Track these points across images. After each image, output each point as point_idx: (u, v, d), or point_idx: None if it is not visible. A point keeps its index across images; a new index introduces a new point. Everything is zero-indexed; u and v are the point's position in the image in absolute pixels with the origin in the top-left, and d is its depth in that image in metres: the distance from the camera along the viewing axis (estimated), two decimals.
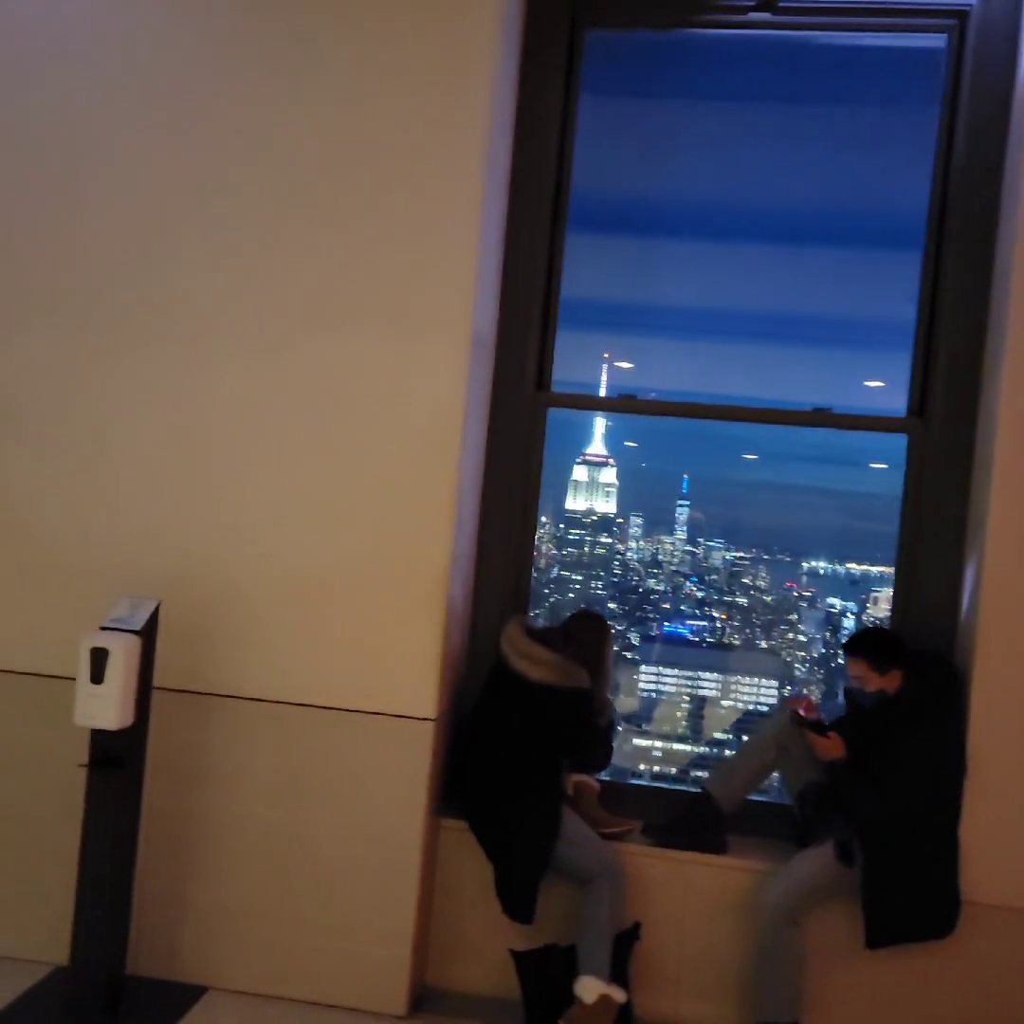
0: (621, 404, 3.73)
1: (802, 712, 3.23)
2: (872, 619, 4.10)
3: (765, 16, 3.55)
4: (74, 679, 3.14)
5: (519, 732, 3.22)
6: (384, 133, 3.21)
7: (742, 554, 4.55)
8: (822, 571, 4.49)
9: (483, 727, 3.31)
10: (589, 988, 3.01)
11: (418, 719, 3.19)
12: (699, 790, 3.34)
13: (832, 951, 3.15)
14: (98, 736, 2.91)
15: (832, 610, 4.53)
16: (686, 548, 4.57)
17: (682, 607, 4.60)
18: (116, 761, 2.91)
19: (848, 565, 4.41)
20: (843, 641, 3.34)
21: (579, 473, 4.37)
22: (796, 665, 4.50)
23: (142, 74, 3.30)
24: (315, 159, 3.23)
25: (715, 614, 4.59)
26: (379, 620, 3.21)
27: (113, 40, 3.32)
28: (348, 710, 3.21)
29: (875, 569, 4.25)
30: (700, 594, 4.61)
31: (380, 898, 3.19)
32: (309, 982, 3.20)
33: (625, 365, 3.86)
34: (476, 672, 3.47)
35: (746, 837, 3.36)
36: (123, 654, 2.84)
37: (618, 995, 3.03)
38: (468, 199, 3.19)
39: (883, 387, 3.64)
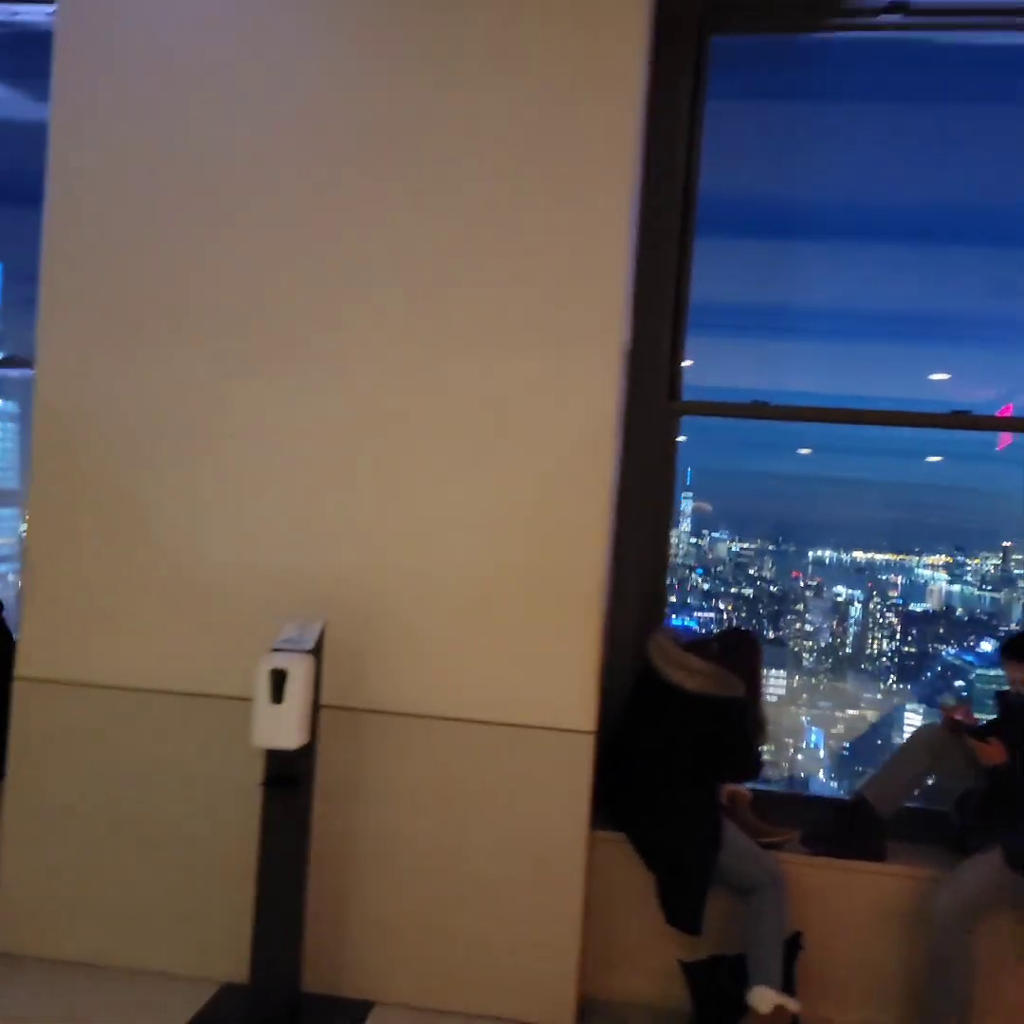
0: (753, 410, 3.72)
1: (960, 718, 3.22)
2: None
3: (896, 18, 3.53)
4: (233, 698, 3.20)
5: (673, 743, 3.22)
6: (532, 144, 3.20)
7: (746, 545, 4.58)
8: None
9: (633, 738, 3.31)
10: (764, 998, 3.01)
11: (577, 732, 3.19)
12: (854, 797, 3.33)
13: (1001, 960, 3.14)
14: (274, 755, 2.92)
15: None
16: (691, 540, 4.65)
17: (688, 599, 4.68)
18: (292, 780, 2.93)
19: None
20: (1001, 644, 3.33)
21: None
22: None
23: (292, 97, 3.30)
24: (464, 173, 3.23)
25: (721, 606, 4.68)
26: (535, 634, 3.21)
27: (262, 65, 3.31)
28: (506, 724, 3.21)
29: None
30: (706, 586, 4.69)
31: (541, 911, 3.20)
32: (474, 995, 3.21)
33: (750, 369, 3.86)
34: (613, 683, 3.47)
35: (902, 843, 3.35)
36: (300, 674, 2.85)
37: (792, 1005, 3.03)
38: (618, 209, 3.18)
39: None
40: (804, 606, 4.63)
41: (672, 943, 3.24)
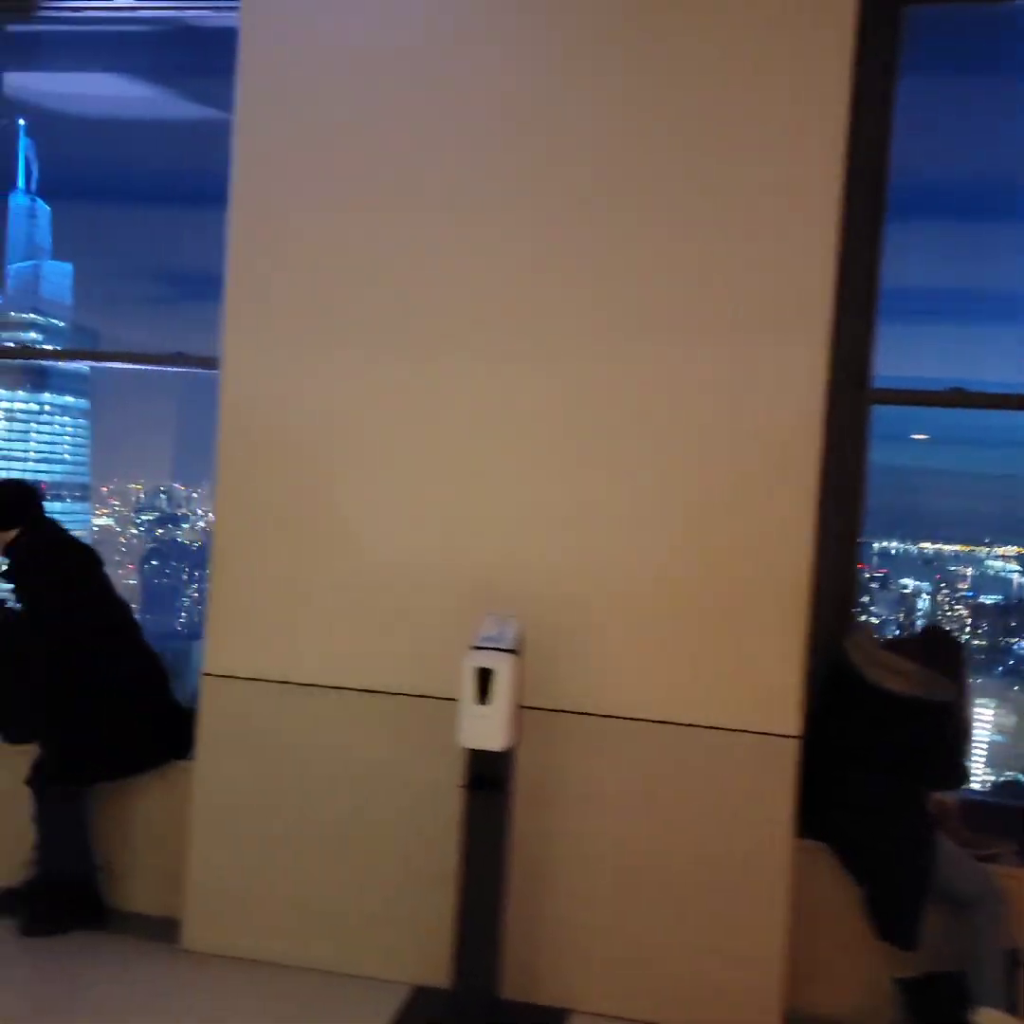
0: (949, 398, 3.53)
1: None
2: None
3: None
4: (423, 697, 3.16)
5: (874, 746, 3.07)
6: (733, 123, 3.08)
7: None
8: None
9: (831, 742, 3.17)
10: (993, 1020, 2.84)
11: (781, 736, 3.07)
12: None
13: None
14: (476, 757, 2.86)
15: None
16: None
17: None
18: (495, 782, 2.87)
19: None
20: None
21: None
22: None
23: (484, 87, 3.24)
24: (658, 155, 3.12)
25: None
26: (736, 633, 3.09)
27: (452, 55, 3.25)
28: (705, 727, 3.10)
29: None
30: None
31: (743, 921, 3.08)
32: (673, 1006, 3.11)
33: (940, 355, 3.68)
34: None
35: None
36: (505, 673, 2.78)
37: None
38: (825, 193, 3.04)
39: None
40: (870, 599, 4.47)
41: (880, 957, 3.09)
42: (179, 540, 4.85)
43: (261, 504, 3.36)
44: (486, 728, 2.79)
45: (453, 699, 2.89)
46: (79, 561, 3.57)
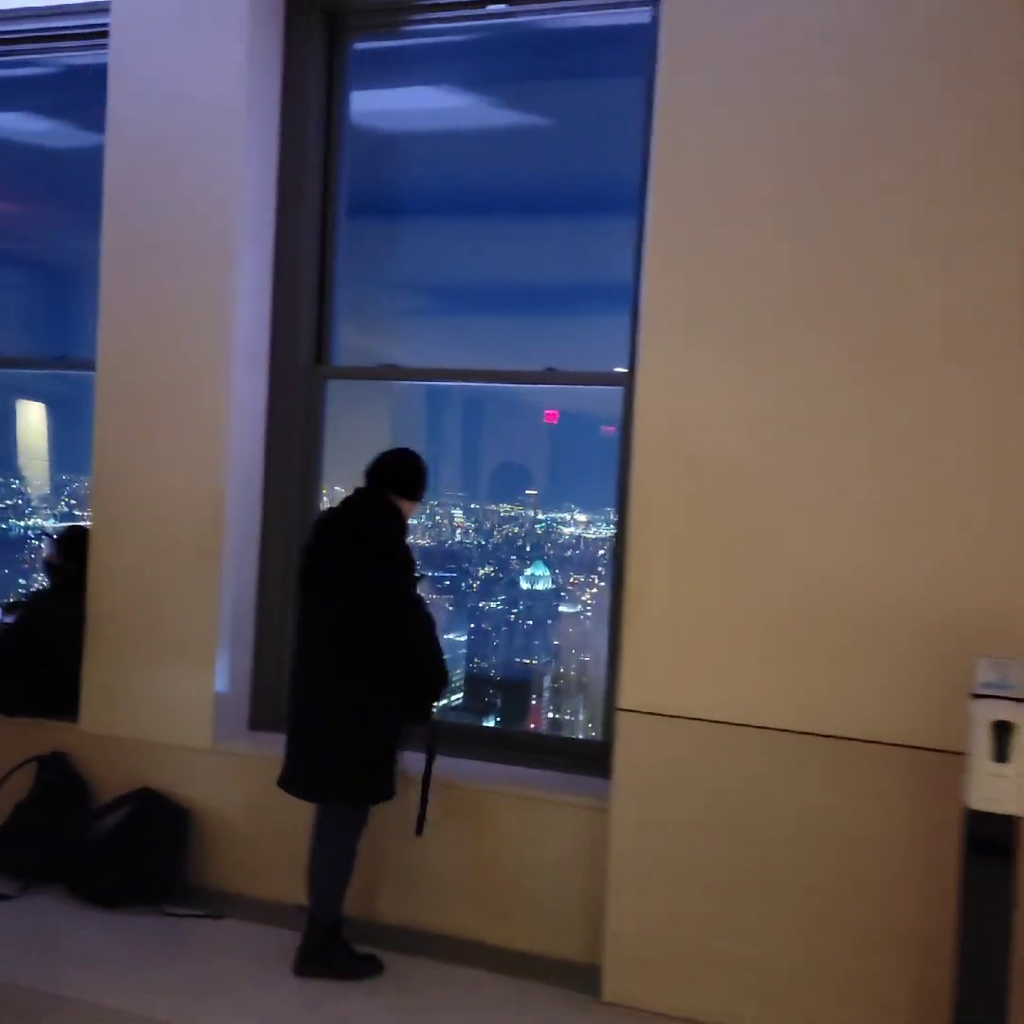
0: None
1: None
2: None
3: None
4: (873, 742, 2.89)
5: None
6: None
7: None
8: None
9: None
10: None
11: None
12: None
13: None
14: (982, 819, 2.54)
15: None
16: None
17: None
18: (1004, 849, 2.54)
19: None
20: None
21: None
22: None
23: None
24: None
25: None
26: None
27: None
28: None
29: None
30: None
31: None
32: None
33: None
34: None
35: None
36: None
37: None
38: None
39: None
40: None
41: None
42: None
43: (680, 528, 3.14)
44: (1002, 789, 2.48)
45: (905, 745, 2.73)
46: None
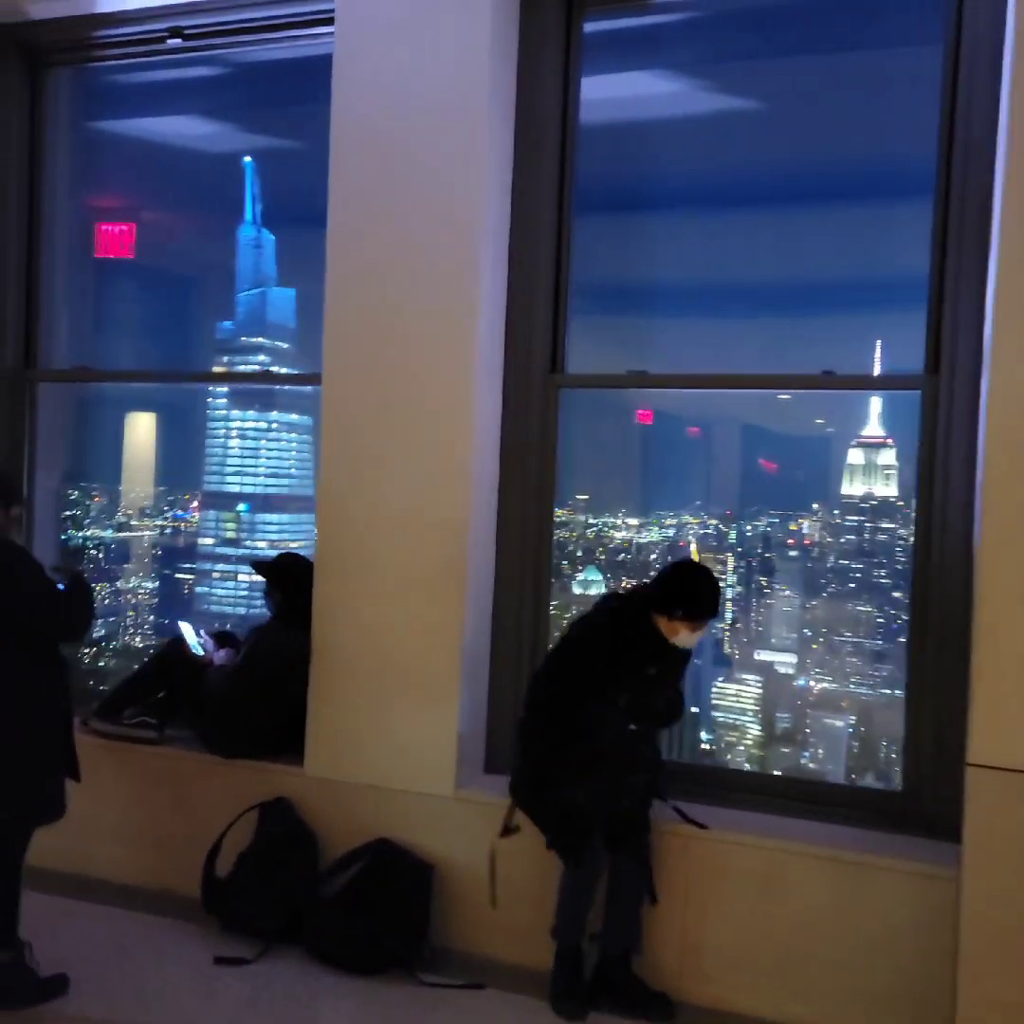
0: None
1: None
2: None
3: None
4: None
5: None
6: None
7: None
8: None
9: None
10: None
11: None
12: None
13: None
14: None
15: None
16: None
17: None
18: None
19: None
20: None
21: (854, 456, 4.08)
22: None
23: None
24: None
25: None
26: None
27: None
28: None
29: None
30: None
31: None
32: None
33: None
34: None
35: None
36: None
37: None
38: None
39: None
40: None
41: None
42: None
43: None
44: None
45: None
46: None
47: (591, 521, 4.41)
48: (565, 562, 4.36)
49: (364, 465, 3.68)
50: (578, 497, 4.33)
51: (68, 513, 5.04)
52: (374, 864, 3.55)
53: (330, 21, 3.83)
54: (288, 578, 3.81)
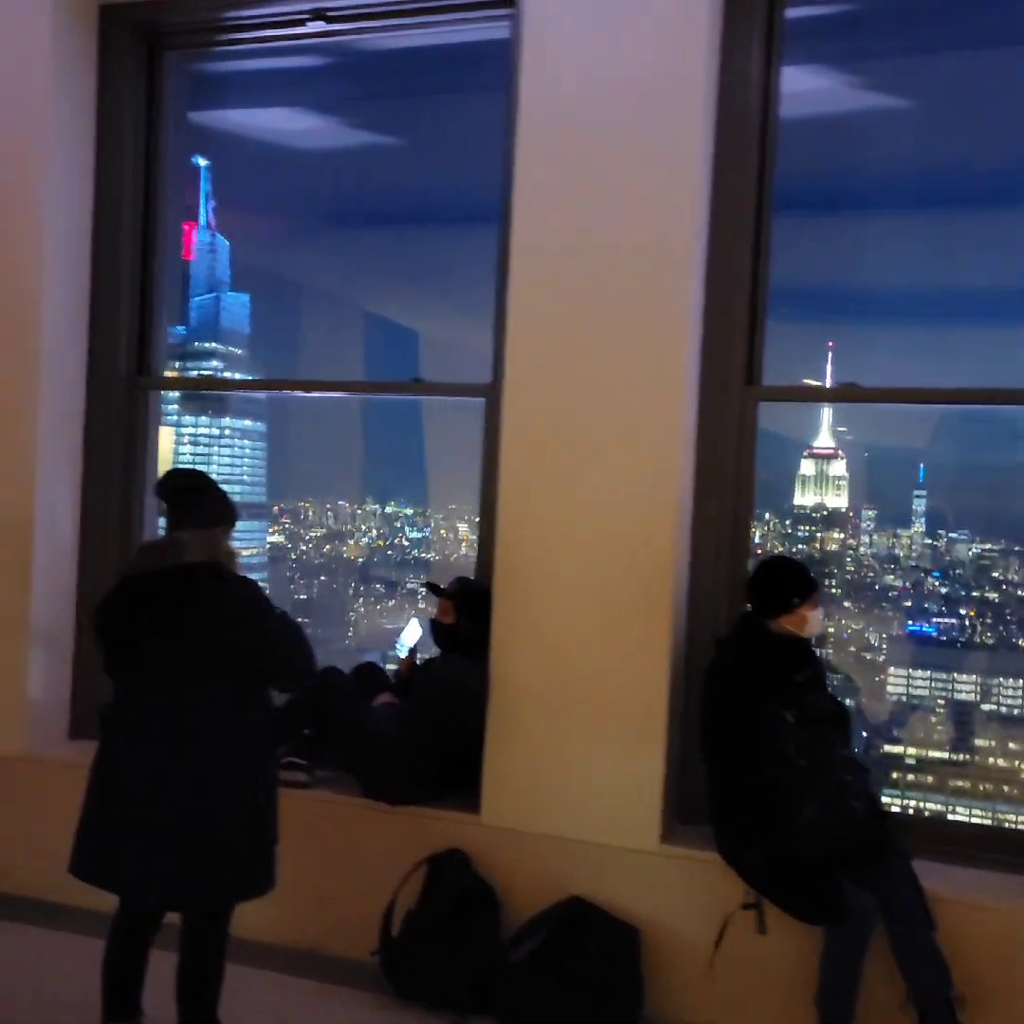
0: None
1: None
2: None
3: None
4: None
5: None
6: None
7: (990, 546, 4.16)
8: None
9: None
10: None
11: None
12: None
13: None
14: None
15: None
16: (926, 541, 4.30)
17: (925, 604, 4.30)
18: None
19: None
20: None
21: (806, 467, 4.25)
22: None
23: None
24: None
25: (962, 611, 4.26)
26: None
27: None
28: None
29: None
30: (944, 590, 4.31)
31: None
32: None
33: None
34: None
35: None
36: None
37: None
38: None
39: None
40: None
41: None
42: (344, 556, 4.96)
43: None
44: None
45: None
46: None
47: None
48: None
49: (551, 484, 3.37)
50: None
51: None
52: (569, 925, 3.22)
53: (506, 3, 3.55)
54: (483, 606, 3.45)
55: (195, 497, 2.78)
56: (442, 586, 3.66)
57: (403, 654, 3.66)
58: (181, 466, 2.98)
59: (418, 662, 3.70)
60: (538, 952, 3.18)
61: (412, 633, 3.66)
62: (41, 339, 3.95)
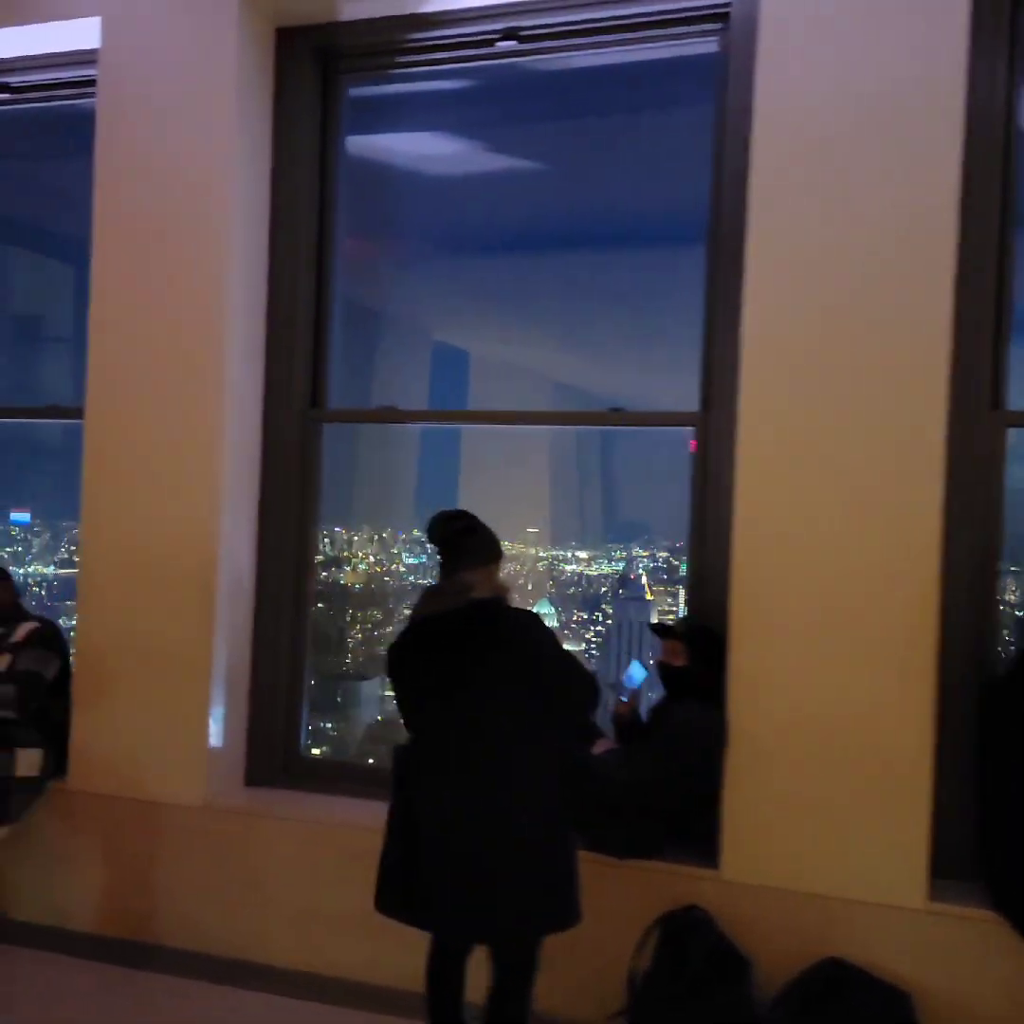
0: None
1: None
2: None
3: None
4: None
5: None
6: None
7: None
8: None
9: None
10: None
11: None
12: None
13: None
14: None
15: None
16: None
17: None
18: None
19: None
20: None
21: None
22: None
23: None
24: None
25: None
26: None
27: None
28: None
29: None
30: None
31: None
32: None
33: None
34: None
35: None
36: None
37: None
38: None
39: None
40: None
41: None
42: (342, 582, 4.82)
43: None
44: None
45: None
46: None
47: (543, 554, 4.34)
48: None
49: (794, 515, 3.18)
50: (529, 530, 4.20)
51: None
52: (831, 990, 2.99)
53: (719, 17, 3.42)
54: (716, 646, 3.27)
55: (469, 538, 2.73)
56: (667, 625, 3.46)
57: (625, 699, 3.46)
58: (445, 509, 2.88)
59: (639, 706, 3.50)
60: (801, 1021, 2.95)
61: (637, 676, 3.47)
62: (224, 370, 3.82)
